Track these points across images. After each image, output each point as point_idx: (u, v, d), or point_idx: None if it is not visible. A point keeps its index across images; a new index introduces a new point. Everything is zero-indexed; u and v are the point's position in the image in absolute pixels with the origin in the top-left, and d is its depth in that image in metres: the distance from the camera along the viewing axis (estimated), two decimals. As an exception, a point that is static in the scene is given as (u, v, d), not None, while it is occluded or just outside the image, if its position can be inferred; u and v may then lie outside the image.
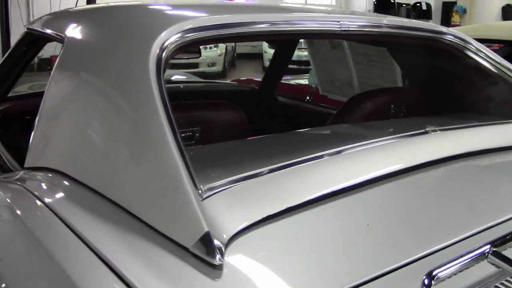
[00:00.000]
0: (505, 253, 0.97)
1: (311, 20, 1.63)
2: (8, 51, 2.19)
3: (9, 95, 2.36)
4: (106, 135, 1.28)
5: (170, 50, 1.25)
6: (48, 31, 1.82)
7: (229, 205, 1.03)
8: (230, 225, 0.97)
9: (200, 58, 8.14)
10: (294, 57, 3.50)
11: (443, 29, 1.87)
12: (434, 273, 0.91)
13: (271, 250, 0.98)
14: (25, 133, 1.58)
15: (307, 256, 0.97)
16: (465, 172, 1.40)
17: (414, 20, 2.04)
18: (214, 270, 0.89)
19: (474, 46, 1.83)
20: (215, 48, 11.94)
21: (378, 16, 2.00)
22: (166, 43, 1.25)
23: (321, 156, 1.25)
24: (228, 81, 4.69)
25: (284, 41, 3.14)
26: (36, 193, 1.30)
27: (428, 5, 19.03)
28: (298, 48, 3.50)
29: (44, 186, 1.37)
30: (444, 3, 19.28)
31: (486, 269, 0.97)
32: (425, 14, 18.43)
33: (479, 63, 1.83)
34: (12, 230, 1.27)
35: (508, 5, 16.78)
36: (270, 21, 1.51)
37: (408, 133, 1.46)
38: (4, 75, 2.17)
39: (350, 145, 1.33)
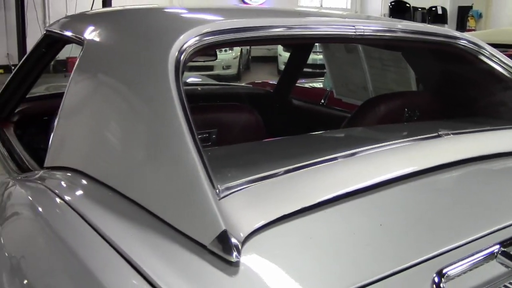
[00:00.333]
0: None
1: (326, 24, 1.64)
2: (27, 53, 2.21)
3: (27, 96, 2.39)
4: (125, 136, 1.30)
5: (189, 52, 1.27)
6: (67, 33, 1.84)
7: (246, 205, 1.05)
8: (247, 224, 0.99)
9: (215, 60, 8.11)
10: (309, 61, 3.50)
11: (457, 34, 1.88)
12: (444, 271, 0.93)
13: (286, 249, 1.00)
14: (43, 133, 1.60)
15: (321, 255, 0.99)
16: (476, 175, 1.41)
17: (428, 25, 2.05)
18: (231, 267, 0.92)
19: (488, 51, 1.84)
20: (230, 51, 11.91)
21: (392, 20, 2.01)
22: (185, 46, 1.26)
23: (336, 158, 1.27)
24: (243, 84, 4.69)
25: (300, 45, 3.14)
26: (56, 191, 1.32)
27: (443, 9, 18.90)
28: (313, 52, 3.50)
29: (64, 184, 1.39)
30: (460, 7, 19.17)
31: (495, 268, 0.99)
32: (441, 19, 18.31)
33: (492, 68, 1.83)
34: (33, 228, 1.29)
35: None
36: (286, 25, 1.52)
37: (422, 137, 1.47)
38: (24, 76, 2.20)
39: (364, 148, 1.34)
